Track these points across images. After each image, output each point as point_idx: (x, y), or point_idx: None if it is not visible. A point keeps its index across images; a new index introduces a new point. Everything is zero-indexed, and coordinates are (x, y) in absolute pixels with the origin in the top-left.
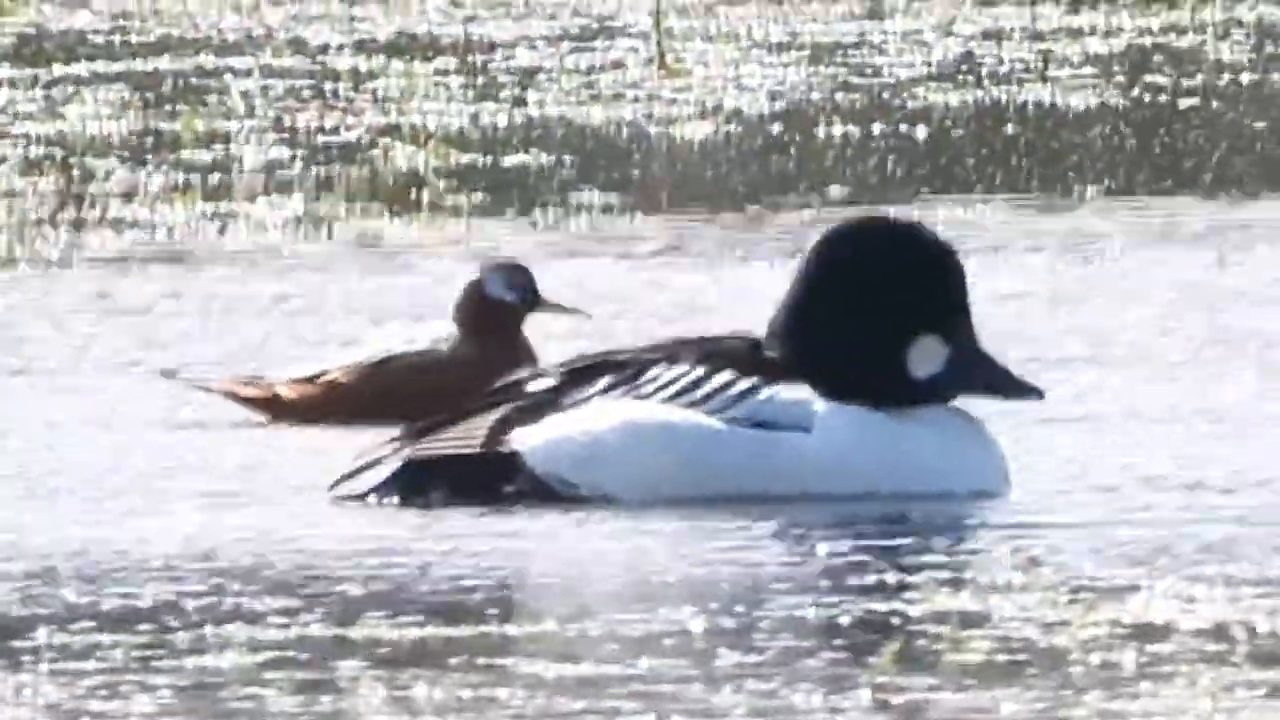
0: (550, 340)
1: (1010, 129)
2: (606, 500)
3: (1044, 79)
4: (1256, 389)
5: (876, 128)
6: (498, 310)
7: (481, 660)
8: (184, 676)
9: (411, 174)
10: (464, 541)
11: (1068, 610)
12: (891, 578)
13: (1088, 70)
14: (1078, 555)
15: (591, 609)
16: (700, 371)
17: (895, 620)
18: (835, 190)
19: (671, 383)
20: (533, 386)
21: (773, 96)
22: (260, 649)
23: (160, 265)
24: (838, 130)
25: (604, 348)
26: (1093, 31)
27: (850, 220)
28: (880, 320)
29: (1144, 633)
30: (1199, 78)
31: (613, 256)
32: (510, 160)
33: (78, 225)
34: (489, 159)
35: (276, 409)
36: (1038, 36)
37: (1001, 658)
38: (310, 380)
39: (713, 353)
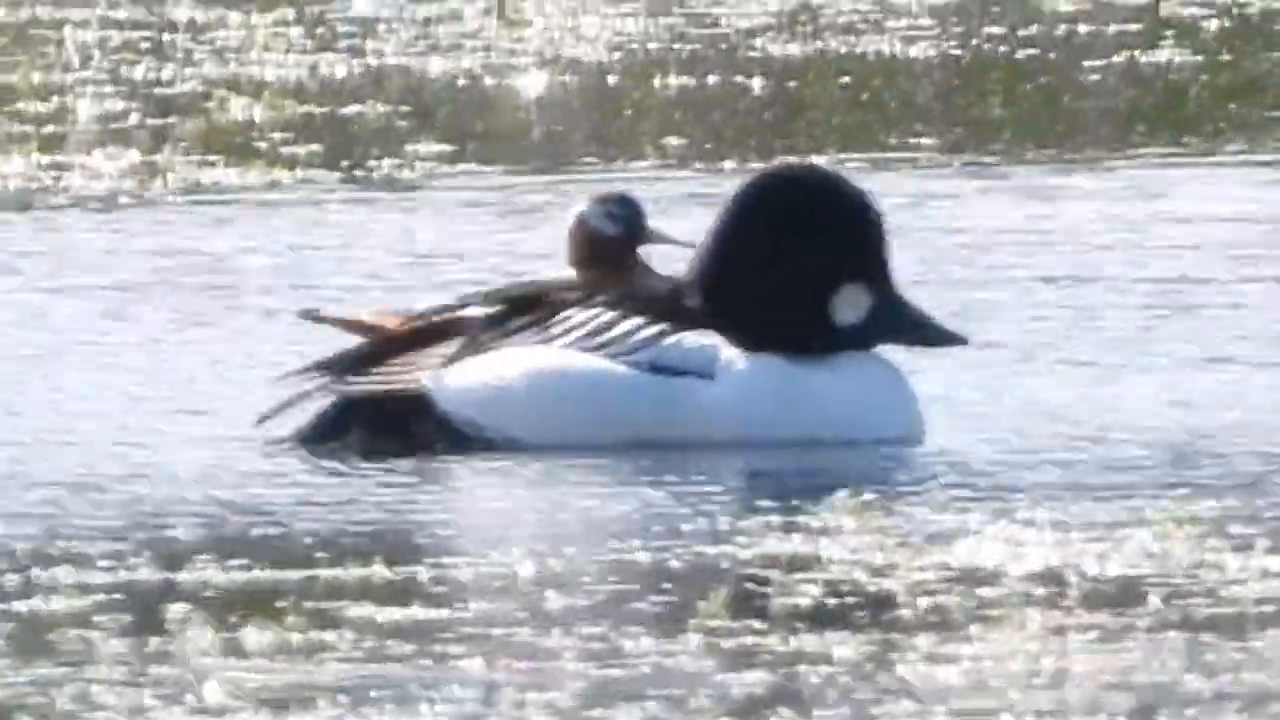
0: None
1: (847, 80)
2: (514, 445)
3: (881, 30)
4: (1100, 337)
5: (713, 79)
6: (602, 245)
7: (310, 604)
8: (11, 620)
9: (248, 125)
10: (320, 486)
11: (897, 554)
12: (724, 523)
13: (925, 21)
14: (908, 499)
15: (421, 553)
16: (612, 315)
17: (725, 564)
18: (673, 141)
19: (581, 324)
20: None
21: (611, 47)
22: (89, 593)
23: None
24: (675, 81)
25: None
26: None
27: (773, 168)
28: (804, 269)
29: (973, 577)
30: (1035, 28)
31: (445, 208)
32: (347, 111)
33: None
34: (326, 110)
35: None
36: None
37: (831, 602)
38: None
39: (628, 296)
